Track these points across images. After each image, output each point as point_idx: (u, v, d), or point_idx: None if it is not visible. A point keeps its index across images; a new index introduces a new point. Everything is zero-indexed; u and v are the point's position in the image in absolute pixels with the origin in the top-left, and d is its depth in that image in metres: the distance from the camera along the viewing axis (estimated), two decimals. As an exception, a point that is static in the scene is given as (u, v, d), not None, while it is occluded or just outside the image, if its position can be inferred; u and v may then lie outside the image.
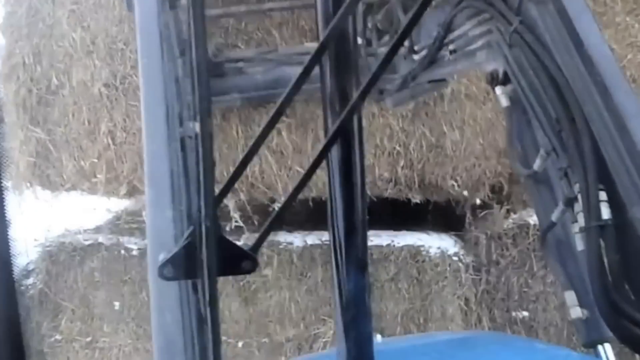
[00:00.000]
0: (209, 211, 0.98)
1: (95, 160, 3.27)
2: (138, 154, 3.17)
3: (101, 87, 3.25)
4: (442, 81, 2.49)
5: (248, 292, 3.26)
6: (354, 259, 1.32)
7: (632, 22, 3.19)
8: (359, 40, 2.50)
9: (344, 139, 1.22)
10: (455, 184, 3.31)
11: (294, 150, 3.21)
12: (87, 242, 3.41)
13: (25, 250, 3.35)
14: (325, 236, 3.28)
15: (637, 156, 1.17)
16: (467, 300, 3.31)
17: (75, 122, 3.28)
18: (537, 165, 1.55)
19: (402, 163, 3.28)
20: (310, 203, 2.96)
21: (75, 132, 3.28)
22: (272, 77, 2.96)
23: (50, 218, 3.55)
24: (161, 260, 1.04)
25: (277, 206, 3.24)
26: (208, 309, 0.96)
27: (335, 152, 1.24)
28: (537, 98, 1.38)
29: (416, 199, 3.36)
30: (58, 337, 3.39)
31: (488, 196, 3.36)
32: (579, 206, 1.31)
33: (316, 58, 1.08)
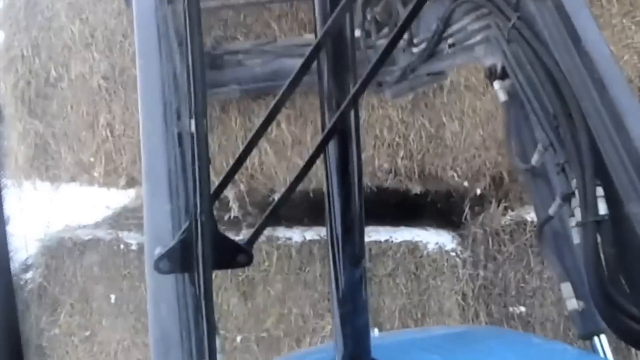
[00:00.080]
0: (205, 206, 0.99)
1: (94, 153, 3.27)
2: (137, 146, 3.17)
3: (100, 79, 3.25)
4: (441, 74, 2.49)
5: (247, 286, 3.27)
6: (351, 254, 1.33)
7: (629, 24, 3.19)
8: (358, 33, 2.50)
9: (342, 133, 1.22)
10: (455, 174, 3.31)
11: (293, 141, 3.21)
12: (86, 237, 3.42)
13: (24, 245, 3.36)
14: (323, 232, 3.27)
15: (634, 152, 1.18)
16: (464, 295, 3.32)
17: (74, 115, 3.28)
18: (534, 160, 1.56)
19: (401, 154, 3.28)
20: (311, 194, 2.97)
21: (74, 125, 3.28)
22: (271, 69, 2.96)
23: (49, 213, 3.57)
24: (157, 254, 1.06)
25: (276, 197, 3.25)
26: (203, 302, 0.97)
27: (332, 147, 1.24)
28: (535, 93, 1.38)
29: (416, 189, 3.36)
30: (57, 331, 3.40)
31: (489, 186, 3.37)
32: (575, 201, 1.32)
33: (313, 54, 1.08)
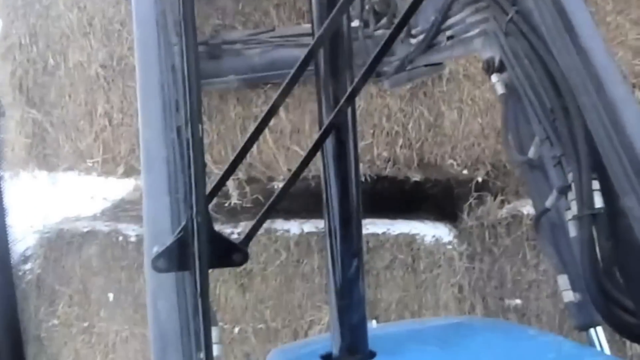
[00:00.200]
0: (201, 206, 1.01)
1: (92, 141, 3.27)
2: (135, 135, 3.17)
3: (98, 68, 3.25)
4: (439, 65, 2.49)
5: (245, 278, 3.28)
6: (348, 247, 1.34)
7: (623, 21, 3.20)
8: (356, 23, 2.49)
9: (339, 128, 1.23)
10: (454, 163, 3.32)
11: (292, 130, 3.22)
12: (84, 229, 3.42)
13: (23, 237, 3.37)
14: (321, 224, 3.27)
15: (629, 146, 1.19)
16: (460, 288, 3.34)
17: (72, 103, 3.28)
18: (531, 152, 1.56)
19: (400, 142, 3.29)
20: (312, 182, 2.98)
21: (72, 113, 3.28)
22: (269, 58, 2.96)
23: (48, 205, 3.58)
24: (155, 253, 1.07)
25: (275, 185, 3.26)
26: (200, 300, 0.99)
27: (329, 141, 1.25)
28: (532, 87, 1.39)
29: (415, 177, 3.37)
30: (55, 322, 3.41)
31: (488, 175, 3.38)
32: (572, 194, 1.33)
33: (311, 53, 1.09)
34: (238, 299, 3.28)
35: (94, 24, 3.24)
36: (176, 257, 1.05)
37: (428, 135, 3.31)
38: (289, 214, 3.32)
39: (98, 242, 3.39)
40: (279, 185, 3.19)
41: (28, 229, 3.41)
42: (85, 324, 3.40)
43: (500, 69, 1.59)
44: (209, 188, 1.09)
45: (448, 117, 3.30)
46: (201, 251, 1.00)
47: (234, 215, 3.29)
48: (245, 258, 1.12)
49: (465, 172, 3.37)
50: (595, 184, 1.28)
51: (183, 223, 1.05)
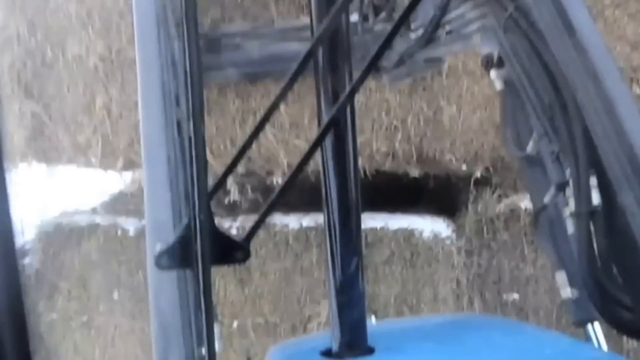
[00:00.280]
0: (203, 205, 1.01)
1: (91, 135, 3.26)
2: (134, 128, 3.16)
3: (97, 60, 3.23)
4: (438, 60, 2.48)
5: (244, 273, 3.29)
6: (348, 243, 1.35)
7: (621, 15, 3.20)
8: (355, 17, 2.48)
9: (338, 125, 1.23)
10: (453, 157, 3.32)
11: (291, 123, 3.21)
12: (83, 223, 3.42)
13: (21, 231, 3.36)
14: (321, 218, 3.28)
15: (627, 143, 1.20)
16: (459, 283, 3.34)
17: (70, 96, 3.27)
18: (530, 148, 1.56)
19: (399, 137, 3.29)
20: (311, 177, 2.98)
21: (70, 106, 3.27)
22: (268, 52, 2.96)
23: (46, 198, 3.56)
24: (158, 251, 1.07)
25: (274, 180, 3.26)
26: (202, 298, 0.99)
27: (329, 138, 1.25)
28: (531, 83, 1.39)
29: (414, 173, 3.37)
30: (54, 316, 3.42)
31: (487, 170, 3.38)
32: (570, 190, 1.33)
33: (311, 53, 1.09)
34: (237, 294, 3.28)
35: (92, 16, 3.22)
36: (179, 255, 1.05)
37: (427, 130, 3.31)
38: (287, 208, 3.32)
39: (97, 236, 3.39)
40: (277, 180, 3.19)
41: (26, 223, 3.40)
42: (85, 319, 3.40)
43: (499, 64, 1.59)
44: (209, 186, 1.09)
45: (447, 112, 3.30)
46: (204, 249, 1.00)
47: (232, 209, 3.30)
48: (247, 255, 1.13)
49: (464, 167, 3.37)
50: (593, 181, 1.28)
51: (185, 221, 1.05)
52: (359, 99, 3.09)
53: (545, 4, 1.32)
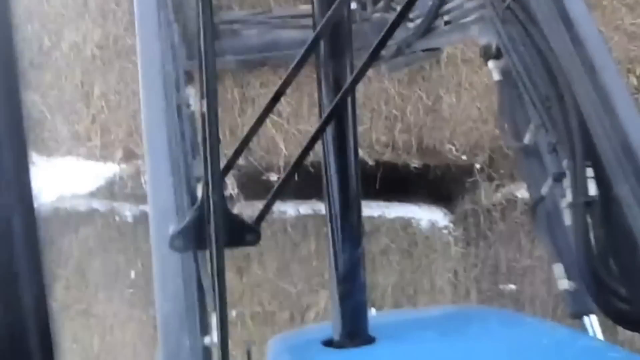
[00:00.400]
0: (216, 185, 1.00)
1: (90, 124, 3.25)
2: (133, 117, 3.15)
3: (94, 48, 3.22)
4: (436, 50, 2.48)
5: (242, 262, 3.29)
6: (349, 234, 1.35)
7: (619, 5, 3.19)
8: (354, 5, 2.48)
9: (340, 116, 1.23)
10: (453, 148, 3.32)
11: (291, 113, 3.21)
12: (81, 209, 3.41)
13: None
14: (318, 206, 3.30)
15: (622, 134, 1.20)
16: (456, 273, 3.35)
17: (68, 85, 3.25)
18: (527, 138, 1.57)
19: (399, 127, 3.29)
20: (311, 168, 2.98)
21: (69, 95, 3.26)
22: (266, 39, 2.95)
23: (42, 183, 3.54)
24: (172, 232, 1.08)
25: (271, 176, 3.25)
26: (216, 279, 0.99)
27: (330, 128, 1.25)
28: (528, 74, 1.40)
29: (415, 163, 3.37)
30: (53, 304, 3.41)
31: (487, 160, 3.38)
32: (567, 181, 1.34)
33: (313, 44, 1.10)
34: (235, 283, 3.29)
35: (89, 3, 3.21)
36: (193, 236, 1.05)
37: (427, 120, 3.31)
38: (285, 195, 3.32)
39: (95, 223, 3.38)
40: (272, 176, 3.19)
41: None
42: (83, 306, 3.40)
43: (497, 55, 1.59)
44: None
45: (446, 102, 3.30)
46: (217, 230, 1.00)
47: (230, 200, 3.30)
48: (258, 238, 1.14)
49: (464, 157, 3.36)
50: (590, 172, 1.29)
51: (198, 202, 1.05)
52: (358, 88, 3.08)
53: None
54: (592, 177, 1.30)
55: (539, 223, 1.63)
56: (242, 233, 1.13)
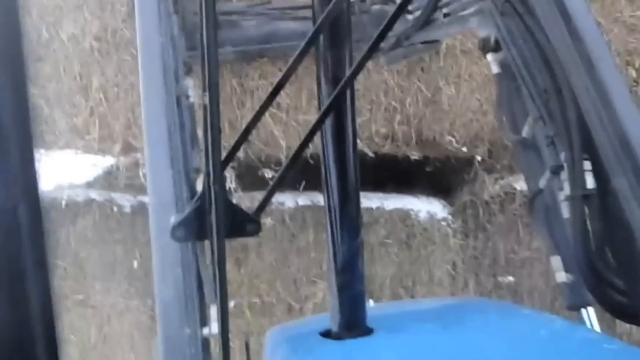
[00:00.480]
0: (217, 176, 1.01)
1: (88, 117, 3.25)
2: (131, 110, 3.15)
3: (92, 40, 3.21)
4: (435, 42, 2.48)
5: (240, 252, 3.29)
6: (348, 226, 1.36)
7: (618, -2, 3.18)
8: (353, -4, 2.47)
9: (338, 108, 1.24)
10: (452, 139, 3.32)
11: (290, 105, 3.21)
12: (78, 199, 3.40)
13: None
14: (316, 197, 3.30)
15: (619, 128, 1.20)
16: (454, 264, 3.36)
17: (66, 77, 3.25)
18: (525, 131, 1.57)
19: (398, 119, 3.28)
20: (310, 160, 2.98)
21: (67, 88, 3.25)
22: (265, 31, 2.95)
23: (42, 176, 3.52)
24: (173, 223, 1.08)
25: (267, 172, 3.25)
26: (217, 269, 1.00)
27: (329, 120, 1.26)
28: (527, 67, 1.40)
29: (414, 155, 3.37)
30: (52, 293, 3.40)
31: (487, 152, 3.38)
32: (565, 174, 1.34)
33: (313, 37, 1.10)
34: (234, 274, 3.29)
35: (87, -5, 3.20)
36: (195, 226, 1.06)
37: (426, 111, 3.30)
38: (284, 186, 3.32)
39: (92, 213, 3.37)
40: (269, 172, 3.20)
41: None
42: (80, 297, 3.40)
43: (496, 48, 1.59)
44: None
45: (446, 93, 3.29)
46: (219, 220, 1.00)
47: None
48: (258, 228, 1.14)
49: (463, 149, 3.36)
50: (587, 165, 1.29)
51: (199, 193, 1.06)
52: (357, 79, 3.07)
53: None
54: (590, 170, 1.30)
55: (537, 216, 1.64)
56: (242, 224, 1.14)
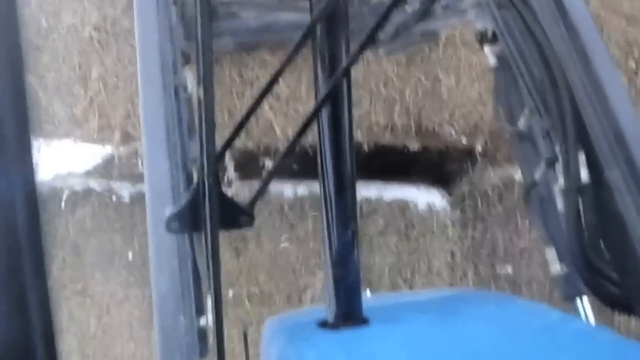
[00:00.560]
0: (211, 169, 1.02)
1: (88, 106, 3.25)
2: (130, 100, 3.15)
3: (92, 30, 3.21)
4: (433, 33, 2.48)
5: (239, 242, 3.30)
6: (343, 216, 1.36)
7: (617, -12, 3.17)
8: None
9: (335, 98, 1.24)
10: (452, 130, 3.31)
11: (289, 94, 3.21)
12: (77, 188, 3.40)
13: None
14: (315, 186, 3.28)
15: (614, 121, 1.21)
16: (453, 255, 3.36)
17: (66, 67, 3.25)
18: (521, 123, 1.57)
19: (397, 109, 3.28)
20: (309, 151, 2.99)
21: (66, 78, 3.25)
22: (265, 22, 2.94)
23: (39, 162, 3.52)
24: (168, 215, 1.09)
25: (267, 162, 3.26)
26: (210, 262, 1.01)
27: (325, 111, 1.26)
28: (523, 59, 1.40)
29: (413, 145, 3.37)
30: (49, 284, 3.41)
31: (487, 143, 3.38)
32: (560, 166, 1.35)
33: (310, 28, 1.10)
34: (232, 263, 3.30)
35: (86, -16, 3.20)
36: (189, 218, 1.06)
37: (425, 102, 3.30)
38: (281, 175, 3.33)
39: (91, 203, 3.38)
40: (269, 162, 3.20)
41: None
42: (79, 286, 3.41)
43: (493, 40, 1.59)
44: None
45: (445, 83, 3.29)
46: (212, 212, 1.01)
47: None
48: (251, 220, 1.15)
49: (463, 139, 3.36)
50: (582, 157, 1.30)
51: (194, 185, 1.06)
52: (356, 70, 3.07)
53: None
54: (585, 163, 1.31)
55: (533, 207, 1.65)
56: (236, 216, 1.14)
